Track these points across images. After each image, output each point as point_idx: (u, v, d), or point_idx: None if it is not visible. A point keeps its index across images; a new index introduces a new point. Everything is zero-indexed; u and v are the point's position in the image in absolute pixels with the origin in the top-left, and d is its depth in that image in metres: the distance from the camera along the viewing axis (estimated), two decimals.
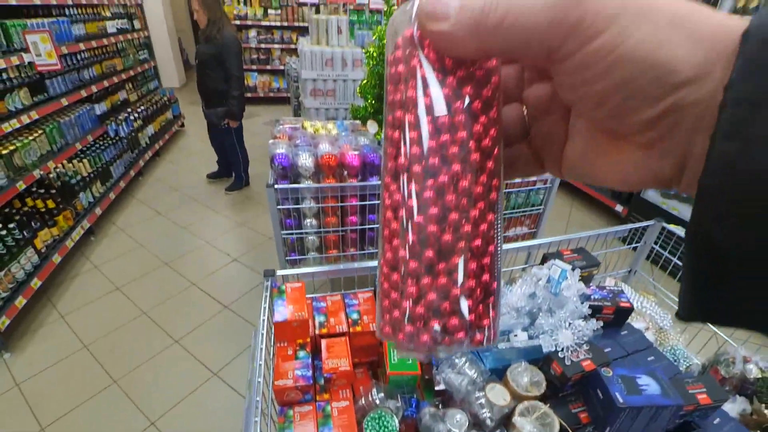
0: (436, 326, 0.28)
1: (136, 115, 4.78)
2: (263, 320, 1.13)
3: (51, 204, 3.11)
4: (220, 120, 3.94)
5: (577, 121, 0.30)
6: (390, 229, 0.30)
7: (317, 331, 1.24)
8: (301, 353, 1.17)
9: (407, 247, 0.28)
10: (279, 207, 1.91)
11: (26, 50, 3.07)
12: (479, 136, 0.28)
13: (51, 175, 3.32)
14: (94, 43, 4.15)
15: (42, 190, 3.14)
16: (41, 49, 3.15)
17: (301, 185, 1.91)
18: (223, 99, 3.83)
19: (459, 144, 0.27)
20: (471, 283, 0.28)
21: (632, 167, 0.26)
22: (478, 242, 0.28)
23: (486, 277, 0.29)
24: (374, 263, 1.38)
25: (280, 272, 1.29)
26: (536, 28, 0.23)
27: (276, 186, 1.85)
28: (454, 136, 0.27)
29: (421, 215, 0.28)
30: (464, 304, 0.28)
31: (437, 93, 0.27)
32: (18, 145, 2.95)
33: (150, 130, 5.11)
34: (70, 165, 3.54)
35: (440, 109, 0.27)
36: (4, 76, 2.96)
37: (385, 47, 0.30)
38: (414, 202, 0.28)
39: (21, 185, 2.84)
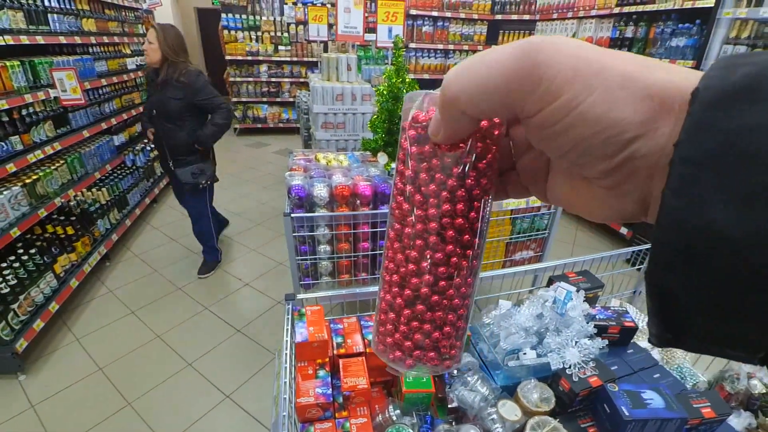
0: (417, 355, 0.38)
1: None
2: (286, 341, 1.20)
3: (70, 230, 3.22)
4: (198, 178, 3.18)
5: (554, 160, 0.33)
6: (387, 275, 0.38)
7: (335, 352, 1.30)
8: (321, 372, 1.23)
9: (400, 297, 0.37)
10: (294, 234, 2.00)
11: (52, 86, 3.25)
12: (449, 210, 0.33)
13: (71, 203, 3.45)
14: (114, 79, 4.37)
15: (62, 217, 3.27)
16: (67, 85, 3.33)
17: (316, 214, 2.00)
18: (195, 152, 3.16)
19: (421, 220, 0.34)
20: (448, 329, 0.37)
21: (598, 204, 0.29)
22: (454, 299, 0.36)
23: (461, 323, 0.38)
24: None
25: (300, 296, 1.37)
26: (492, 97, 0.26)
27: (292, 214, 1.95)
28: (432, 209, 0.33)
29: (392, 274, 0.37)
30: (441, 344, 0.38)
31: (412, 167, 0.34)
32: (41, 174, 3.08)
33: None
34: (90, 193, 3.68)
35: (412, 183, 0.34)
36: (31, 110, 3.12)
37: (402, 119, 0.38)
38: (390, 265, 0.37)
39: (42, 212, 2.95)
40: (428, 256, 0.34)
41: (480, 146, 0.32)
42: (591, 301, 1.46)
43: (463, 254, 0.35)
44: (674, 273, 0.22)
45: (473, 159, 0.32)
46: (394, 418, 1.15)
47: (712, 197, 0.20)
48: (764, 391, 1.25)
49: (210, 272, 3.61)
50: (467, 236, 0.34)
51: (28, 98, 2.95)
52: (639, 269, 1.79)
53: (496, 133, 0.32)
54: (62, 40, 3.49)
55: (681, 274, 0.22)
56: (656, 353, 1.38)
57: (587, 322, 1.23)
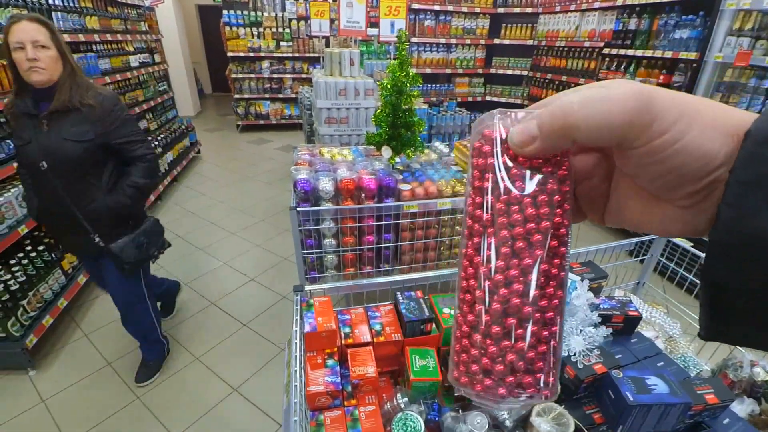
0: (511, 381, 0.34)
1: (156, 143, 4.99)
2: (295, 331, 1.22)
3: None
4: (148, 249, 2.22)
5: (620, 184, 0.37)
6: (470, 295, 0.35)
7: (343, 342, 1.32)
8: (330, 361, 1.25)
9: (487, 314, 0.34)
10: (300, 228, 2.02)
11: None
12: (545, 218, 0.33)
13: None
14: (118, 76, 4.39)
15: None
16: None
17: (321, 207, 2.02)
18: (130, 214, 2.16)
19: (522, 225, 0.33)
20: (543, 348, 0.34)
21: (672, 222, 0.34)
22: (548, 313, 0.34)
23: (554, 342, 0.35)
24: (394, 278, 1.47)
25: (308, 287, 1.39)
26: (611, 131, 0.30)
27: (298, 208, 1.96)
28: (521, 217, 0.33)
29: (492, 287, 0.34)
30: (538, 366, 0.34)
31: (508, 183, 0.33)
32: None
33: (169, 156, 5.32)
34: None
35: (510, 195, 0.33)
36: None
37: (471, 138, 0.37)
38: (486, 275, 0.34)
39: None
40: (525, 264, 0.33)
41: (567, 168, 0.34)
42: (595, 291, 1.47)
43: (553, 263, 0.34)
44: (727, 269, 0.28)
45: (567, 180, 0.34)
46: (402, 405, 1.17)
47: (760, 209, 0.26)
48: (767, 378, 1.26)
49: (155, 375, 2.56)
50: (563, 249, 0.35)
51: None
52: (642, 261, 1.80)
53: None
54: (66, 38, 3.50)
55: (733, 270, 0.28)
56: (660, 342, 1.40)
57: (592, 311, 1.25)
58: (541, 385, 0.34)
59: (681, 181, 0.31)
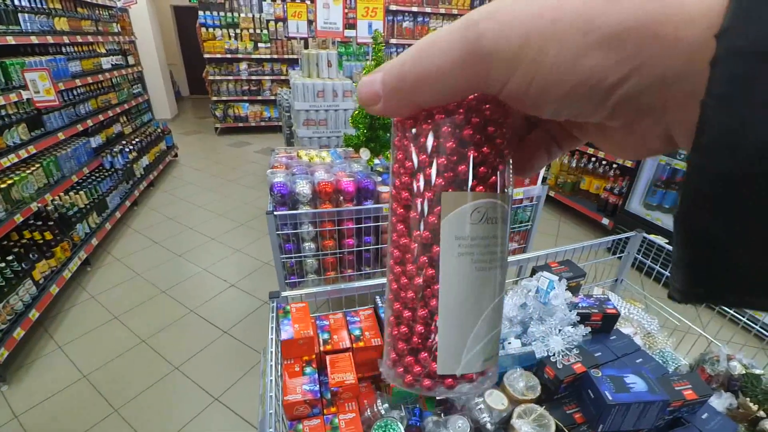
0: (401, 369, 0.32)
1: (131, 147, 4.86)
2: (271, 339, 1.18)
3: (48, 236, 3.13)
4: None
5: None
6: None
7: (322, 348, 1.30)
8: (308, 369, 1.23)
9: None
10: (278, 232, 1.98)
11: (25, 87, 3.16)
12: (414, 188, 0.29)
13: (48, 208, 3.36)
14: (89, 79, 4.27)
15: (39, 223, 3.19)
16: (40, 86, 3.23)
17: (299, 211, 1.99)
18: None
19: (402, 203, 0.30)
20: (404, 330, 0.31)
21: (622, 147, 0.27)
22: (411, 294, 0.30)
23: (420, 328, 0.30)
24: (373, 282, 1.45)
25: (284, 293, 1.35)
26: (453, 87, 0.23)
27: (275, 213, 1.93)
28: (401, 193, 0.30)
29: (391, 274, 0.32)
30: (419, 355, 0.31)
31: (394, 157, 0.30)
32: (16, 179, 2.99)
33: (145, 161, 5.18)
34: (67, 197, 3.58)
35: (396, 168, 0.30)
36: (3, 112, 3.03)
37: None
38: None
39: (19, 218, 2.87)
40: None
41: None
42: (574, 290, 1.48)
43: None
44: (722, 211, 0.17)
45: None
46: (383, 411, 1.15)
47: None
48: (743, 372, 1.28)
49: None
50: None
51: (0, 100, 2.86)
52: (620, 258, 1.82)
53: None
54: (34, 40, 3.39)
55: (733, 213, 0.17)
56: (638, 339, 1.41)
57: (570, 311, 1.25)
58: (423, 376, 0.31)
59: (580, 112, 0.22)
